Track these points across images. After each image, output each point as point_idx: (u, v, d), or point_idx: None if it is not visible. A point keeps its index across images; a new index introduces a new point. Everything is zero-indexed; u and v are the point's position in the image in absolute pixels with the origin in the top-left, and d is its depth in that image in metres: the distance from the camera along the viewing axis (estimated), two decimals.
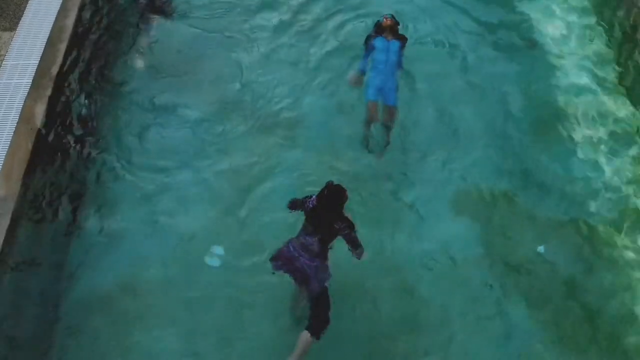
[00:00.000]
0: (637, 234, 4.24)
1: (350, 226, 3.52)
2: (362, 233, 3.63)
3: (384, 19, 4.66)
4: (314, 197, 3.60)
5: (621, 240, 4.27)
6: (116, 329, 3.78)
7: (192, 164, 4.52)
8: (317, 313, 3.53)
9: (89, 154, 4.39)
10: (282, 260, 3.60)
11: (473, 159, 4.61)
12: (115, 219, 4.17)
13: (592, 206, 4.40)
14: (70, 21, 4.53)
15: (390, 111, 4.59)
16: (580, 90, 5.07)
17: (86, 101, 4.45)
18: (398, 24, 4.68)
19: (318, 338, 3.49)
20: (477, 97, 5.06)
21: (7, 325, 3.45)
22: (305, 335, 3.49)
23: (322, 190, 3.56)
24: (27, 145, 3.82)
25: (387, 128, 4.65)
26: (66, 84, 4.32)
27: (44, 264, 3.82)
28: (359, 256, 3.59)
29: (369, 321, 3.84)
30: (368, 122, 4.62)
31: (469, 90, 5.12)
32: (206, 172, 4.48)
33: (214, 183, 4.46)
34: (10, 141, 3.80)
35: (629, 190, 4.45)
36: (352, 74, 4.87)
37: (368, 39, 4.66)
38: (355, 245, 3.55)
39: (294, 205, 3.73)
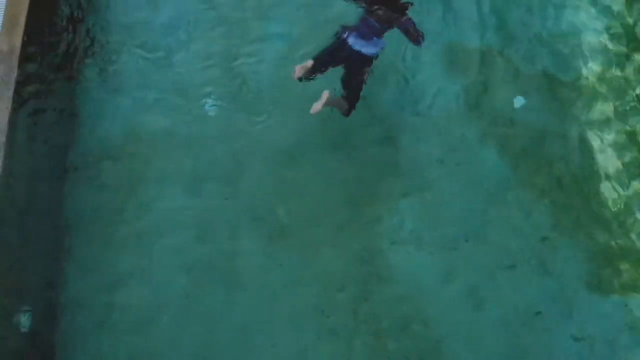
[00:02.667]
0: (611, 89, 4.44)
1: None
2: None
3: None
4: None
5: (597, 95, 4.48)
6: (125, 178, 4.18)
7: (185, 20, 4.63)
8: (351, 91, 4.03)
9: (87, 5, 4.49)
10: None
11: (463, 12, 4.66)
12: (115, 70, 4.39)
13: (574, 63, 4.53)
14: None
15: None
16: None
17: None
18: None
19: (348, 114, 4.09)
20: None
21: (27, 173, 3.85)
22: (341, 100, 4.04)
23: None
24: None
25: None
26: None
27: (51, 115, 4.12)
28: (420, 41, 3.97)
29: (353, 166, 4.22)
30: None
31: None
32: (199, 29, 4.60)
33: (208, 38, 4.61)
34: None
35: (612, 48, 4.56)
36: None
37: None
38: (416, 32, 3.93)
39: None
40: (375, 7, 3.92)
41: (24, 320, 3.61)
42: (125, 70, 4.46)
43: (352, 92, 4.06)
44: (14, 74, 3.69)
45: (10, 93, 3.65)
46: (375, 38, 3.95)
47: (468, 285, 3.95)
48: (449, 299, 3.91)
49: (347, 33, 3.93)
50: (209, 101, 4.40)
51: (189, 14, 4.69)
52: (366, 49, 3.92)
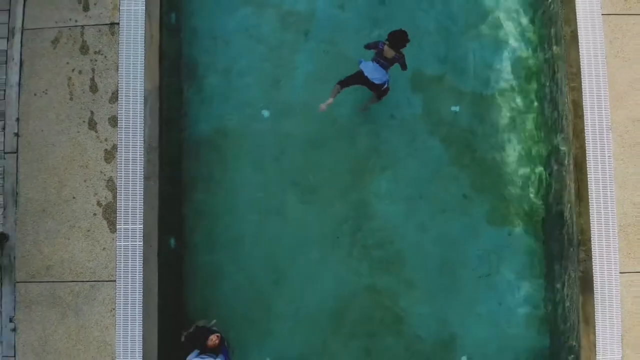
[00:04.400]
0: (518, 101, 7.03)
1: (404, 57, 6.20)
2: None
3: None
4: (381, 42, 6.09)
5: (515, 105, 7.09)
6: (215, 156, 6.92)
7: (245, 50, 7.12)
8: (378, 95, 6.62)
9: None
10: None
11: (421, 46, 7.13)
12: (204, 87, 6.95)
13: (497, 83, 7.06)
14: None
15: None
16: None
17: None
18: None
19: (380, 99, 6.66)
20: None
21: (166, 159, 6.55)
22: (374, 97, 6.63)
23: (395, 35, 6.04)
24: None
25: None
26: None
27: (173, 119, 6.79)
28: (406, 69, 6.33)
29: (352, 150, 6.96)
30: None
31: None
32: (256, 55, 7.11)
33: (263, 62, 7.12)
34: None
35: (528, 75, 7.08)
36: None
37: None
38: (405, 66, 6.26)
39: (369, 46, 6.22)
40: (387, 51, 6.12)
41: (172, 243, 6.53)
42: (211, 86, 7.05)
43: (378, 95, 6.62)
44: (158, 103, 6.33)
45: (157, 115, 6.31)
46: (383, 71, 6.18)
47: (419, 221, 6.85)
48: (407, 228, 6.83)
49: (361, 65, 6.28)
50: (263, 108, 7.05)
51: (247, 46, 7.18)
52: (376, 78, 6.20)
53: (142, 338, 5.99)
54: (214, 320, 5.83)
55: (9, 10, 6.59)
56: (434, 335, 6.77)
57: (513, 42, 7.06)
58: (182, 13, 7.01)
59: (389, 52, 6.19)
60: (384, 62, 6.28)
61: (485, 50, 7.09)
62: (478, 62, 7.07)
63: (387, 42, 6.17)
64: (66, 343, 6.07)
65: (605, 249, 6.21)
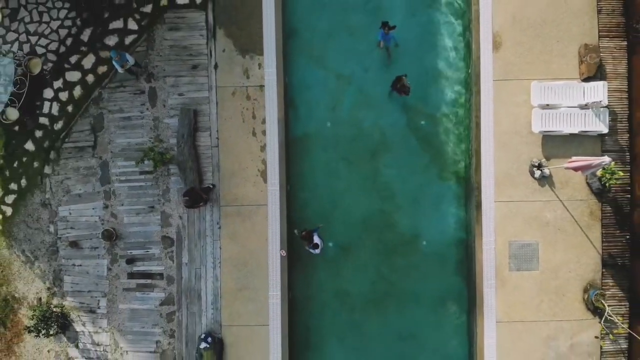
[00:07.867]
0: (456, 126, 14.41)
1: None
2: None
3: None
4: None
5: (451, 127, 14.37)
6: (306, 149, 14.26)
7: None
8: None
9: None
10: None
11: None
12: (298, 110, 14.27)
13: (445, 114, 14.32)
14: None
15: None
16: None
17: None
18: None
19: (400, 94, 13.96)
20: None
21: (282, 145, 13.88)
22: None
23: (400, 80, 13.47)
24: None
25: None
26: None
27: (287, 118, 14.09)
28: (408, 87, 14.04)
29: (374, 148, 14.39)
30: None
31: None
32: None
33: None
34: None
35: (457, 111, 14.40)
36: None
37: None
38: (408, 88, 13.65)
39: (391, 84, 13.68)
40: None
41: (289, 188, 13.98)
42: (301, 111, 14.27)
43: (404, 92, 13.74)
44: (284, 125, 13.61)
45: (284, 130, 13.61)
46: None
47: (403, 177, 14.27)
48: (397, 181, 14.29)
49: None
50: (327, 121, 14.30)
51: (318, 90, 14.34)
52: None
53: (279, 230, 13.57)
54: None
55: (207, 76, 13.73)
56: (409, 232, 14.41)
57: (451, 94, 14.38)
58: (289, 75, 14.14)
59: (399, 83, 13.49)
60: (396, 85, 13.56)
61: (440, 94, 14.39)
62: (436, 100, 14.37)
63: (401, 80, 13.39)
64: (244, 232, 13.67)
65: (488, 190, 13.73)
